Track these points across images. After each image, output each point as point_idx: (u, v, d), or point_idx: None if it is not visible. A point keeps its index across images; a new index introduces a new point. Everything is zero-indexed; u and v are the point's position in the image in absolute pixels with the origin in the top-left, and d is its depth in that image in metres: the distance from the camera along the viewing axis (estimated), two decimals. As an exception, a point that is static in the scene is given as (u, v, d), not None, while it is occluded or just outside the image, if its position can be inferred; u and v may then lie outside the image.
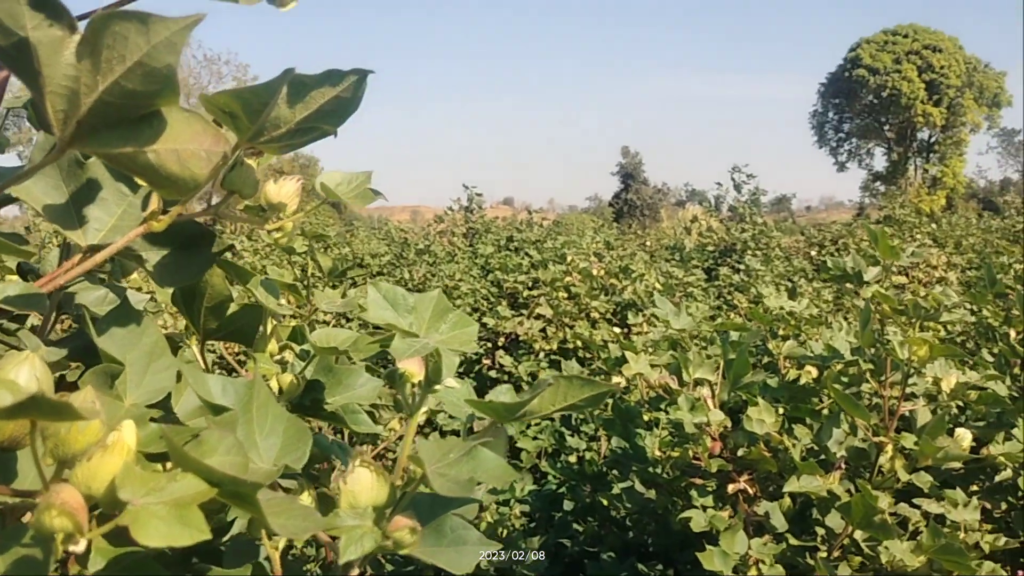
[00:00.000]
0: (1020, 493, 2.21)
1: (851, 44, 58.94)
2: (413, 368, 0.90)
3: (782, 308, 2.64)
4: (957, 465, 2.17)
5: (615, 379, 2.32)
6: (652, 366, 2.56)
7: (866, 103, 57.53)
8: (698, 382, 2.15)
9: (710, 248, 10.51)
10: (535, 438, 4.36)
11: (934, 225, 13.21)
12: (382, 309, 0.94)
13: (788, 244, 14.12)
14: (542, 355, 4.74)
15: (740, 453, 1.99)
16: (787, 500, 2.09)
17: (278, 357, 1.32)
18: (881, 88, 55.24)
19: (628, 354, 2.14)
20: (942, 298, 2.11)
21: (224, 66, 46.23)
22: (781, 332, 2.56)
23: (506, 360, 4.42)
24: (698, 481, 2.01)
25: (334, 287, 2.45)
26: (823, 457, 2.17)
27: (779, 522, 2.04)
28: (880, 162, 60.42)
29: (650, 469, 2.15)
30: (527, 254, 7.91)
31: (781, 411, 2.25)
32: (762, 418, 1.98)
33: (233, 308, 1.19)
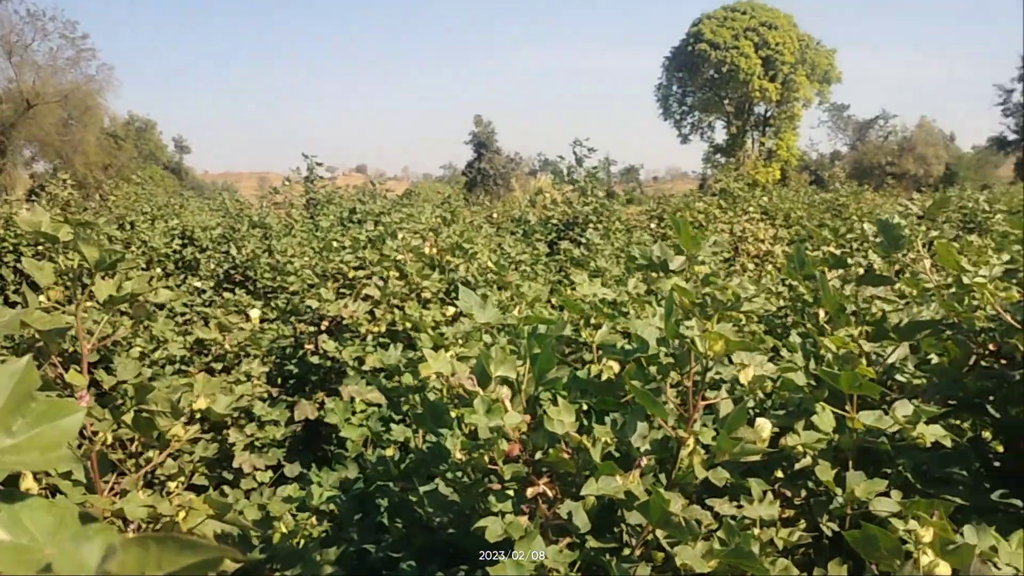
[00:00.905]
0: (816, 482, 2.24)
1: (693, 19, 60.80)
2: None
3: (595, 295, 2.57)
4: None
5: (423, 371, 2.20)
6: (460, 359, 2.45)
7: (707, 77, 59.59)
8: (501, 380, 2.06)
9: (554, 222, 10.55)
10: (360, 425, 4.20)
11: (766, 199, 13.75)
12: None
13: (631, 216, 14.41)
14: (369, 338, 4.57)
15: (538, 456, 1.91)
16: (591, 498, 2.03)
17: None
18: (721, 63, 57.33)
19: (426, 351, 2.02)
20: (739, 291, 2.09)
21: (50, 23, 43.00)
22: (594, 320, 2.50)
23: (329, 345, 4.22)
24: (496, 486, 1.92)
25: (107, 278, 2.21)
26: (628, 452, 2.12)
27: (581, 522, 1.97)
28: (720, 135, 62.90)
29: (449, 474, 2.05)
30: (367, 228, 7.69)
31: (586, 406, 2.19)
32: (561, 418, 1.90)
33: None
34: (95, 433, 2.60)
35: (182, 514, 2.01)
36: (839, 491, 2.18)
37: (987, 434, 2.89)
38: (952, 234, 2.86)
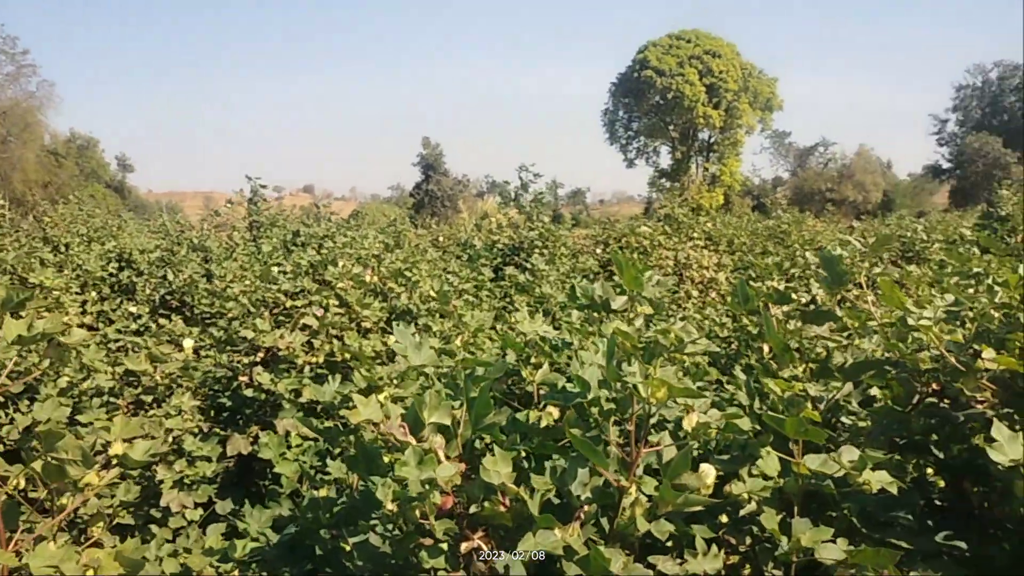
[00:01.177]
0: (762, 528, 2.18)
1: (640, 46, 61.60)
2: None
3: (535, 332, 2.49)
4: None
5: (352, 418, 2.09)
6: (396, 400, 2.35)
7: (653, 103, 60.38)
8: (435, 427, 1.96)
9: (499, 246, 10.48)
10: (296, 460, 4.06)
11: (710, 225, 13.86)
12: None
13: (577, 240, 14.41)
14: (307, 369, 4.43)
15: (472, 509, 1.81)
16: (529, 552, 1.93)
17: None
18: (667, 90, 58.14)
19: (356, 397, 1.91)
20: (682, 335, 2.03)
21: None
22: (534, 360, 2.42)
23: (264, 377, 4.07)
24: (428, 541, 1.81)
25: (16, 317, 2.06)
26: (569, 501, 2.04)
27: (520, 576, 1.88)
28: (665, 159, 63.68)
29: (379, 526, 1.94)
30: (309, 253, 7.52)
31: (525, 452, 2.10)
32: (497, 468, 1.81)
33: None
34: (5, 479, 2.44)
35: (90, 572, 1.87)
36: (784, 539, 2.12)
37: (930, 471, 2.88)
38: (894, 270, 2.85)
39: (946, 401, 2.71)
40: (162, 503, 3.76)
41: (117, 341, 7.10)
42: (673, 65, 58.16)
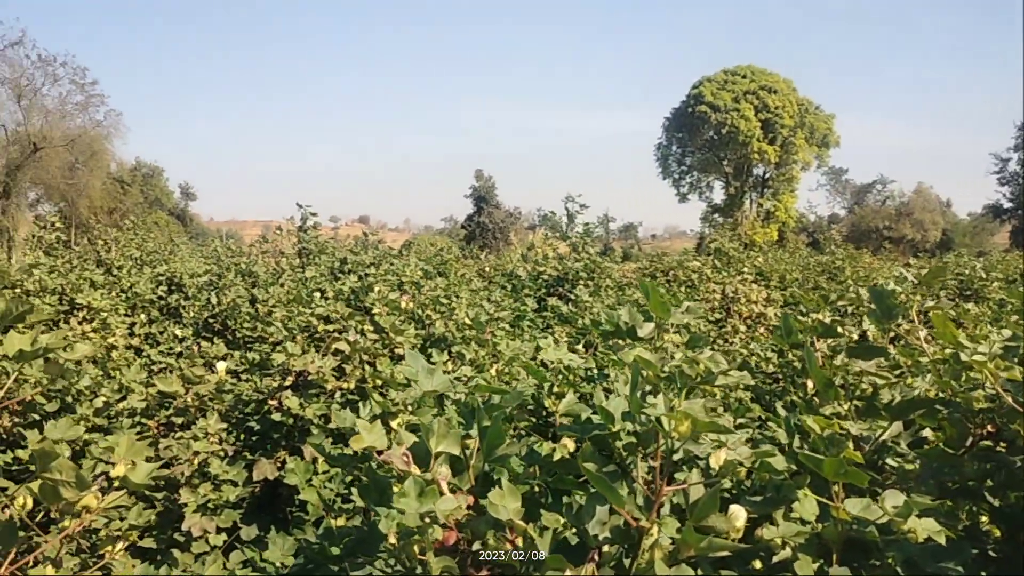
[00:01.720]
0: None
1: (694, 82, 61.42)
2: None
3: (560, 361, 2.37)
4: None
5: (355, 445, 1.99)
6: (410, 428, 2.24)
7: (707, 138, 60.04)
8: (444, 456, 1.84)
9: (544, 277, 10.37)
10: (324, 487, 3.97)
11: (761, 260, 13.60)
12: None
13: (626, 273, 14.24)
14: (338, 395, 4.35)
15: (475, 547, 1.69)
16: (542, 593, 1.80)
17: None
18: (721, 125, 57.77)
19: (360, 423, 1.81)
20: (711, 364, 1.89)
21: (60, 68, 43.33)
22: (556, 388, 2.30)
23: (292, 402, 3.99)
24: (431, 579, 1.69)
25: (7, 331, 2.01)
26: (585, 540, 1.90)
27: (531, 620, 1.74)
28: (719, 195, 63.12)
29: (380, 561, 1.83)
30: (351, 280, 7.49)
31: (541, 486, 1.98)
32: (505, 503, 1.68)
33: None
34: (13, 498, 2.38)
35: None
36: (820, 590, 1.95)
37: (984, 519, 2.67)
38: (949, 305, 2.68)
39: (1003, 444, 2.52)
40: (183, 527, 3.68)
41: (159, 363, 7.14)
42: (728, 100, 57.83)
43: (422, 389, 2.00)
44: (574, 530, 1.96)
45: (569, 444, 1.95)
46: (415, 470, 1.76)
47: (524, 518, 1.75)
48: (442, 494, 1.68)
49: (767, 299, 8.66)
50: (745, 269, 11.84)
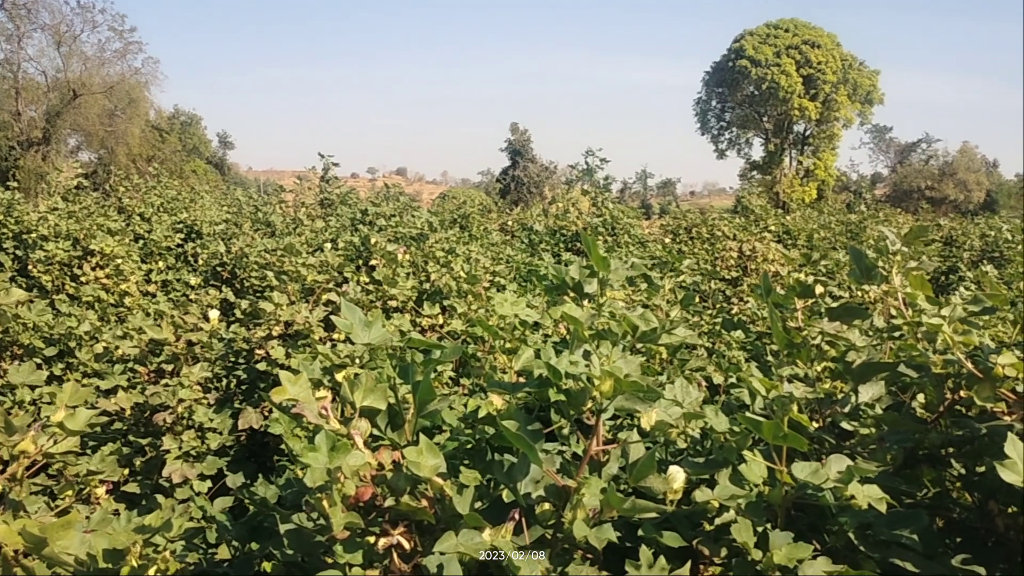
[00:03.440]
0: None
1: (736, 35, 60.11)
2: None
3: (516, 316, 2.32)
4: (670, 509, 1.90)
5: (275, 397, 1.96)
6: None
7: (747, 94, 58.87)
8: (369, 411, 1.81)
9: (564, 232, 10.28)
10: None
11: (788, 217, 13.37)
12: None
13: (650, 230, 14.06)
14: (328, 345, 4.34)
15: (388, 503, 1.66)
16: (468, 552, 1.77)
17: None
18: (761, 80, 56.59)
19: (283, 374, 1.77)
20: (640, 322, 1.82)
21: (99, 15, 43.53)
22: (509, 344, 2.25)
23: (278, 352, 3.99)
24: (343, 534, 1.66)
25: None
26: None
27: (454, 577, 1.71)
28: (758, 151, 62.02)
29: (298, 516, 1.81)
30: (379, 229, 7.46)
31: (478, 444, 1.94)
32: (423, 460, 1.65)
33: None
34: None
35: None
36: (758, 554, 1.90)
37: (958, 486, 2.60)
38: (931, 266, 2.57)
39: (974, 410, 2.44)
40: (164, 473, 3.72)
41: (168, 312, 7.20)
42: (770, 55, 56.55)
43: (358, 341, 1.96)
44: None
45: (497, 401, 1.91)
46: (334, 423, 1.73)
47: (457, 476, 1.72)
48: (359, 450, 1.65)
49: (784, 258, 8.49)
50: (771, 227, 11.65)
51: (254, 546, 2.51)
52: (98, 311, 6.04)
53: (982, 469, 2.37)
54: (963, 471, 2.40)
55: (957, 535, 2.38)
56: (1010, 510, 2.22)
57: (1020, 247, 8.20)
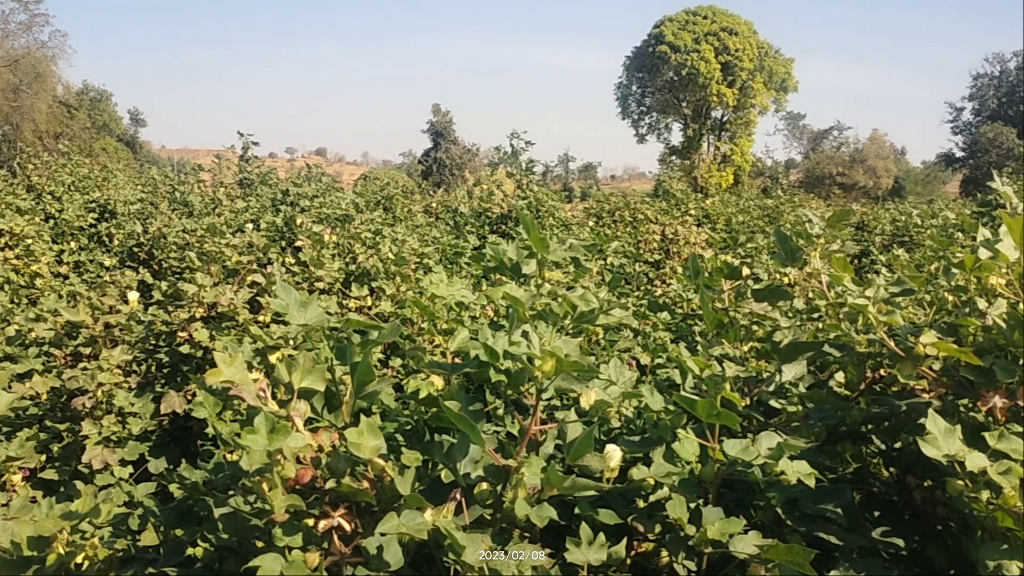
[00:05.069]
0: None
1: (656, 21, 60.76)
2: None
3: (452, 296, 2.31)
4: (607, 486, 1.93)
5: (210, 379, 1.92)
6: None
7: (667, 79, 59.59)
8: (307, 392, 1.79)
9: (489, 215, 10.27)
10: (234, 420, 3.91)
11: (708, 202, 13.63)
12: None
13: (574, 212, 14.16)
14: (253, 328, 4.26)
15: (328, 484, 1.64)
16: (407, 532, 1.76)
17: None
18: (681, 66, 57.35)
19: (218, 355, 1.74)
20: (580, 303, 1.84)
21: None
22: (444, 324, 2.24)
23: (202, 334, 3.90)
24: (282, 516, 1.64)
25: None
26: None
27: (393, 558, 1.71)
28: (677, 137, 62.94)
29: (238, 497, 1.78)
30: (302, 210, 7.33)
31: (415, 425, 1.93)
32: (363, 441, 1.64)
33: None
34: None
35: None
36: (692, 530, 1.95)
37: (875, 462, 2.70)
38: (852, 248, 2.66)
39: (894, 388, 2.54)
40: (84, 459, 3.61)
41: (82, 293, 6.96)
42: (689, 41, 57.33)
43: (294, 322, 1.93)
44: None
45: (437, 382, 1.91)
46: (272, 405, 1.70)
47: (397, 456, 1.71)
48: (299, 431, 1.63)
49: (707, 241, 8.68)
50: (691, 211, 11.86)
51: (178, 532, 2.46)
52: (8, 292, 5.80)
53: (900, 445, 2.48)
54: (882, 447, 2.50)
55: (876, 508, 2.47)
56: (926, 483, 2.33)
57: (928, 231, 8.55)
